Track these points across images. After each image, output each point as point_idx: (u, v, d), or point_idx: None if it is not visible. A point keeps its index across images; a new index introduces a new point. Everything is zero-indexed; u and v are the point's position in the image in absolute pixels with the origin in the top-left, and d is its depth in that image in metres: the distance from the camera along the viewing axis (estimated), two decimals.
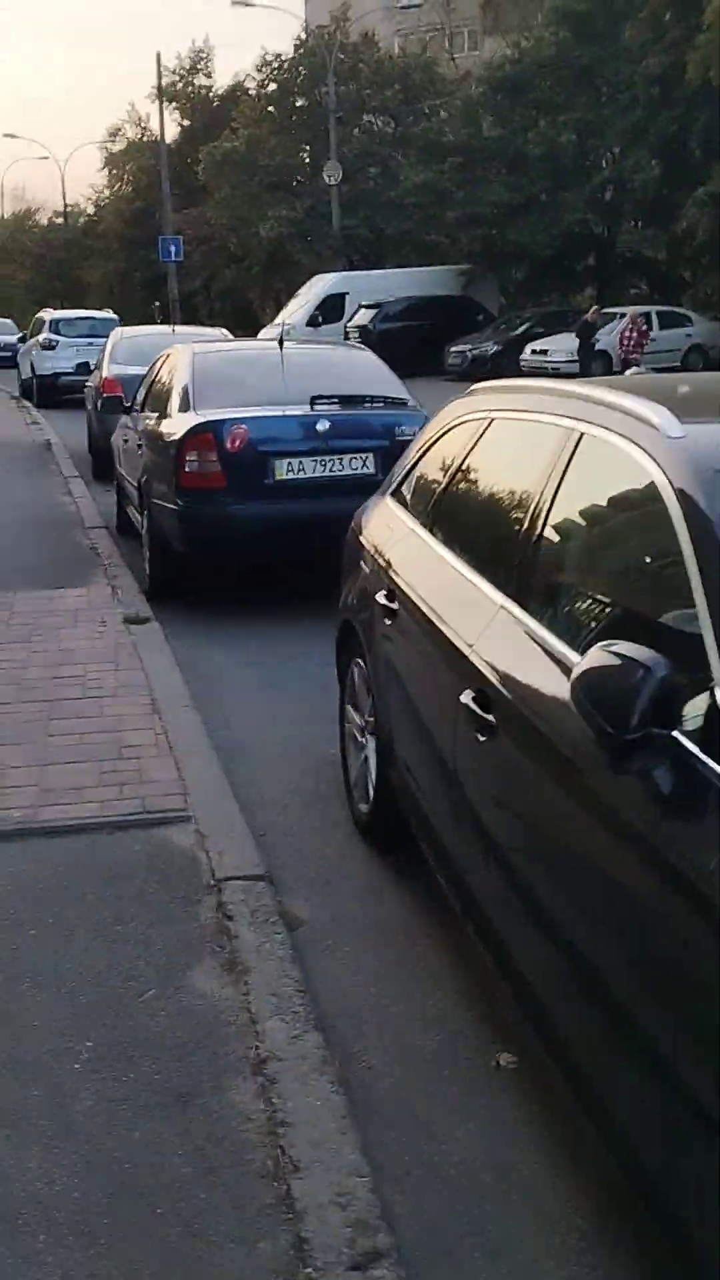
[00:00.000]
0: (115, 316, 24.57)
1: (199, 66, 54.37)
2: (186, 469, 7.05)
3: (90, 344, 21.60)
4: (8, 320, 40.63)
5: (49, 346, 22.96)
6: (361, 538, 4.56)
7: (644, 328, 24.58)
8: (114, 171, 60.03)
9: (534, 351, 27.83)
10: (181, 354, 8.16)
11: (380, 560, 4.08)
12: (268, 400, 7.37)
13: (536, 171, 32.44)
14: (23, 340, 27.36)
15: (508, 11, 48.38)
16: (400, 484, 4.46)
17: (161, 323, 38.84)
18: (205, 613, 7.53)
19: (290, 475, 7.06)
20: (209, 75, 54.95)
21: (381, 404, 7.58)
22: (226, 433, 6.98)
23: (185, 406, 7.45)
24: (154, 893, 3.67)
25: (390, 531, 4.19)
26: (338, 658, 4.69)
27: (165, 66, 44.51)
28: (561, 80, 32.32)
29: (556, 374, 26.48)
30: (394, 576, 3.83)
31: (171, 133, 46.11)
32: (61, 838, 4.04)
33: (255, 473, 7.03)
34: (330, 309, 33.18)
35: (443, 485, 3.80)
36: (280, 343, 7.95)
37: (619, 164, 31.08)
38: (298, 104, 43.86)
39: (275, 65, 43.98)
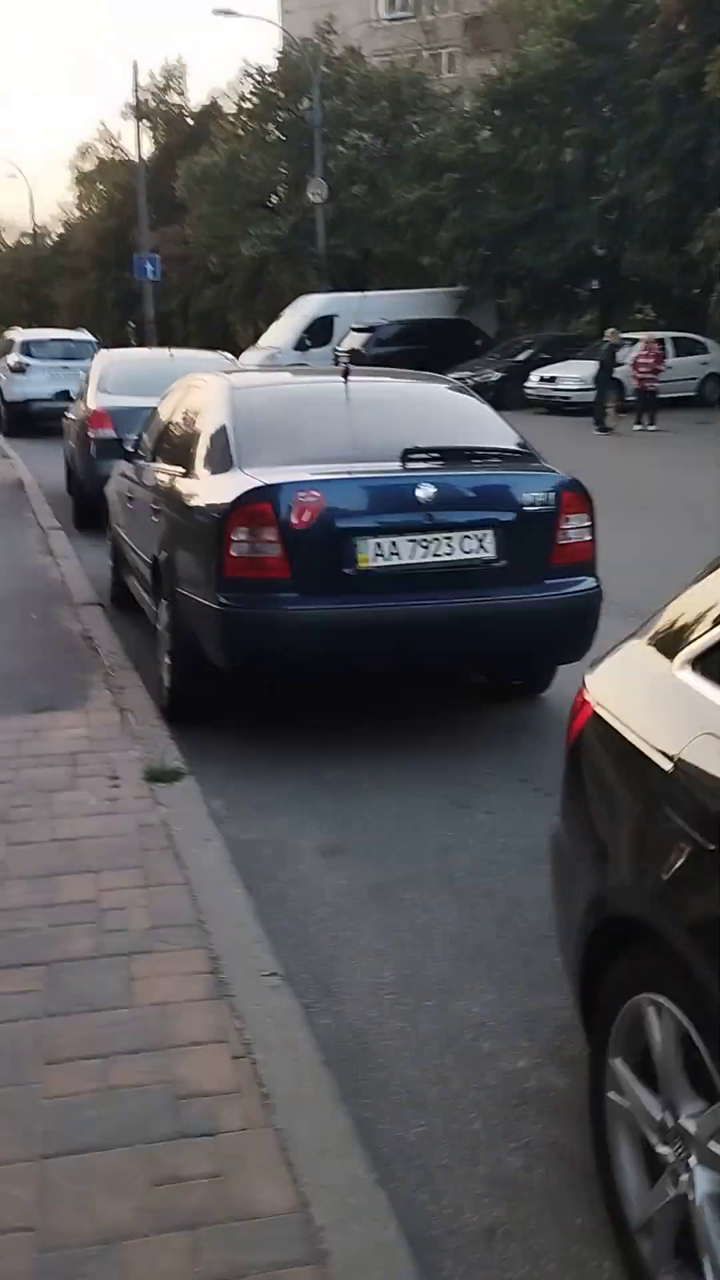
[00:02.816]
0: (92, 338, 22.47)
1: (172, 84, 52.70)
2: (232, 553, 4.94)
3: (65, 367, 19.71)
4: None
5: (19, 370, 20.81)
6: (632, 739, 2.47)
7: (659, 353, 22.73)
8: (84, 189, 58.10)
9: (542, 379, 26.00)
10: (210, 387, 6.06)
11: None
12: (338, 455, 5.29)
13: (539, 190, 30.66)
14: None
15: (494, 31, 47.00)
16: (712, 651, 2.39)
17: (137, 345, 36.86)
18: (251, 746, 5.42)
19: (380, 562, 4.97)
20: (182, 93, 53.35)
21: (497, 460, 5.52)
22: (291, 502, 4.89)
23: (225, 462, 5.34)
24: None
25: None
26: (582, 970, 2.56)
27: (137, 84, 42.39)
28: (565, 94, 30.57)
29: (567, 403, 24.69)
30: None
31: (145, 149, 44.09)
32: None
33: (331, 558, 4.94)
34: (318, 332, 31.24)
35: None
36: (345, 374, 5.88)
37: (628, 182, 29.31)
38: (280, 118, 42.01)
39: (258, 78, 42.14)
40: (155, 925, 3.51)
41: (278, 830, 4.53)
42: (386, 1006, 3.35)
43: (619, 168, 30.36)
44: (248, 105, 43.27)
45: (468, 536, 5.06)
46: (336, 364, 28.94)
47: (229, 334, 44.31)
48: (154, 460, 6.57)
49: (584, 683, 2.84)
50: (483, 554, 5.08)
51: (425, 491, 4.97)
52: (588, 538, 5.31)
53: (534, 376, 26.21)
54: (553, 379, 25.75)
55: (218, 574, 5.00)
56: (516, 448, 5.62)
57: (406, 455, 5.17)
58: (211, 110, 49.24)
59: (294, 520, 4.88)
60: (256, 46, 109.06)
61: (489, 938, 3.74)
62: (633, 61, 28.86)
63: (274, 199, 42.68)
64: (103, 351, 13.33)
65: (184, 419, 6.23)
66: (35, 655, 6.56)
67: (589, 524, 5.30)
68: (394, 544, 4.97)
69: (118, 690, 5.84)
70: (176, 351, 11.95)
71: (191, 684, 5.52)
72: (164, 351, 12.06)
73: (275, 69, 42.13)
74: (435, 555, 5.02)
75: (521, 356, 28.25)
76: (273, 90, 42.19)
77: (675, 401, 23.99)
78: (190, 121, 51.40)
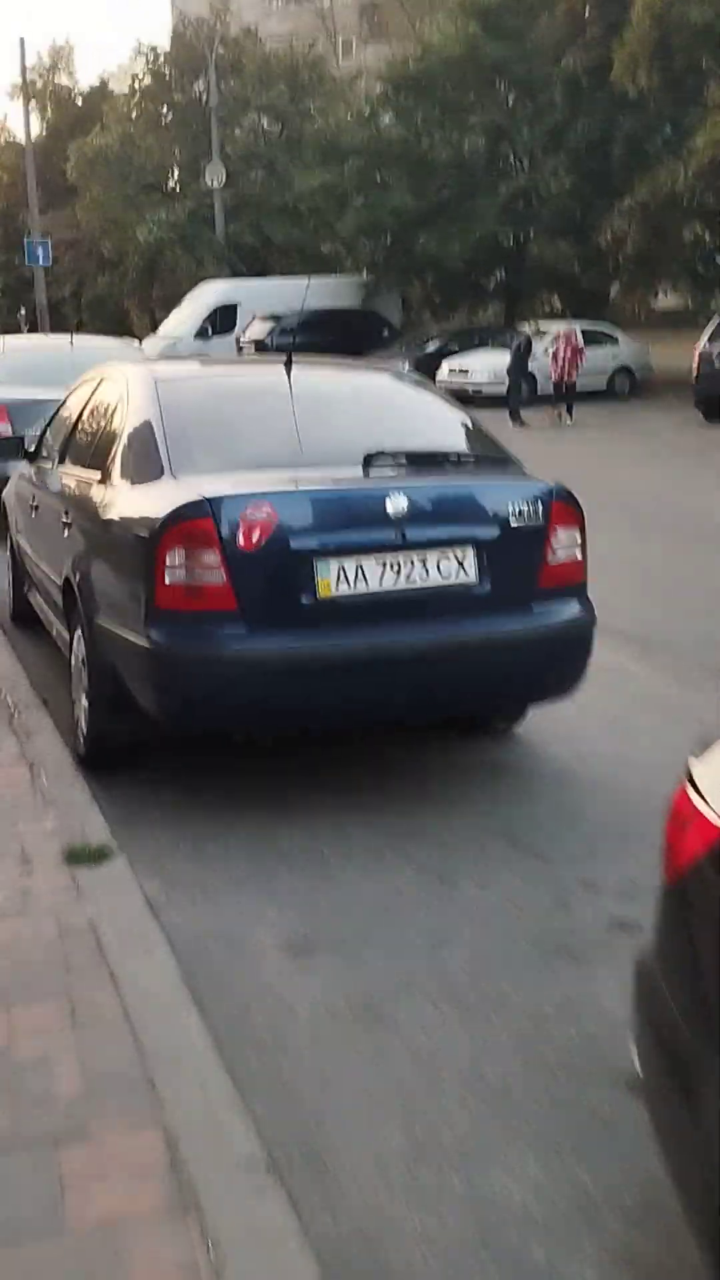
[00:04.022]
0: None
1: (59, 65, 50.94)
2: (166, 579, 4.10)
3: None
4: None
5: None
6: None
7: (579, 345, 22.30)
8: None
9: (452, 371, 25.37)
10: (129, 379, 5.18)
11: None
12: (286, 460, 4.47)
13: (443, 178, 30.04)
14: None
15: (391, 16, 46.36)
16: None
17: (29, 332, 35.32)
18: (188, 804, 4.58)
19: (344, 589, 4.17)
20: (71, 74, 51.67)
21: (472, 465, 4.77)
22: (238, 518, 4.06)
23: (153, 469, 4.48)
24: None
25: None
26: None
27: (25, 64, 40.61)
28: (469, 80, 29.98)
29: (479, 395, 24.10)
30: None
31: (34, 131, 42.43)
32: None
33: (286, 586, 4.13)
34: (220, 320, 30.22)
35: None
36: (288, 365, 5.05)
37: (533, 172, 28.85)
38: (176, 100, 40.72)
39: (151, 57, 40.78)
40: (90, 1089, 2.67)
41: (230, 920, 3.71)
42: (399, 1190, 2.56)
43: (524, 157, 29.92)
44: (141, 86, 41.86)
45: (445, 557, 4.29)
46: (240, 353, 28.07)
47: (124, 321, 42.91)
48: (62, 462, 5.67)
49: (690, 783, 2.08)
50: (463, 579, 4.31)
51: (397, 504, 4.18)
52: (578, 555, 4.58)
53: (444, 367, 25.58)
54: (464, 370, 25.17)
55: (148, 605, 4.15)
56: (491, 451, 4.87)
57: (369, 461, 4.38)
58: (102, 91, 47.70)
59: (241, 540, 4.05)
60: (150, 27, 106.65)
61: (512, 1071, 2.98)
62: (537, 49, 28.41)
63: (170, 183, 41.46)
64: None
65: (98, 416, 5.34)
66: None
67: (580, 540, 4.58)
68: (360, 567, 4.18)
69: (24, 737, 4.95)
70: (78, 338, 10.94)
71: (115, 729, 4.66)
72: (64, 338, 11.05)
73: (168, 49, 40.86)
74: (408, 580, 4.24)
75: (430, 347, 27.64)
76: (165, 70, 40.91)
77: (585, 395, 23.59)
78: (80, 103, 49.78)
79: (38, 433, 6.59)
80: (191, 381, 5.31)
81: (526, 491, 4.46)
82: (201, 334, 29.69)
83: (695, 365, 21.40)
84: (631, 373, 26.39)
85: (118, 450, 4.79)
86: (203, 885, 3.94)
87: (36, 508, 6.07)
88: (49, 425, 6.38)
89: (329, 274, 33.59)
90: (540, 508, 4.42)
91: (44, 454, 6.22)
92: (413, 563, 4.24)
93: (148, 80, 41.13)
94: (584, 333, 25.48)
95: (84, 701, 4.80)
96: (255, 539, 4.06)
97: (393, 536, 4.20)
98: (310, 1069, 2.97)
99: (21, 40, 42.53)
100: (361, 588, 4.19)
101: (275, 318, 28.36)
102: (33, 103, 46.51)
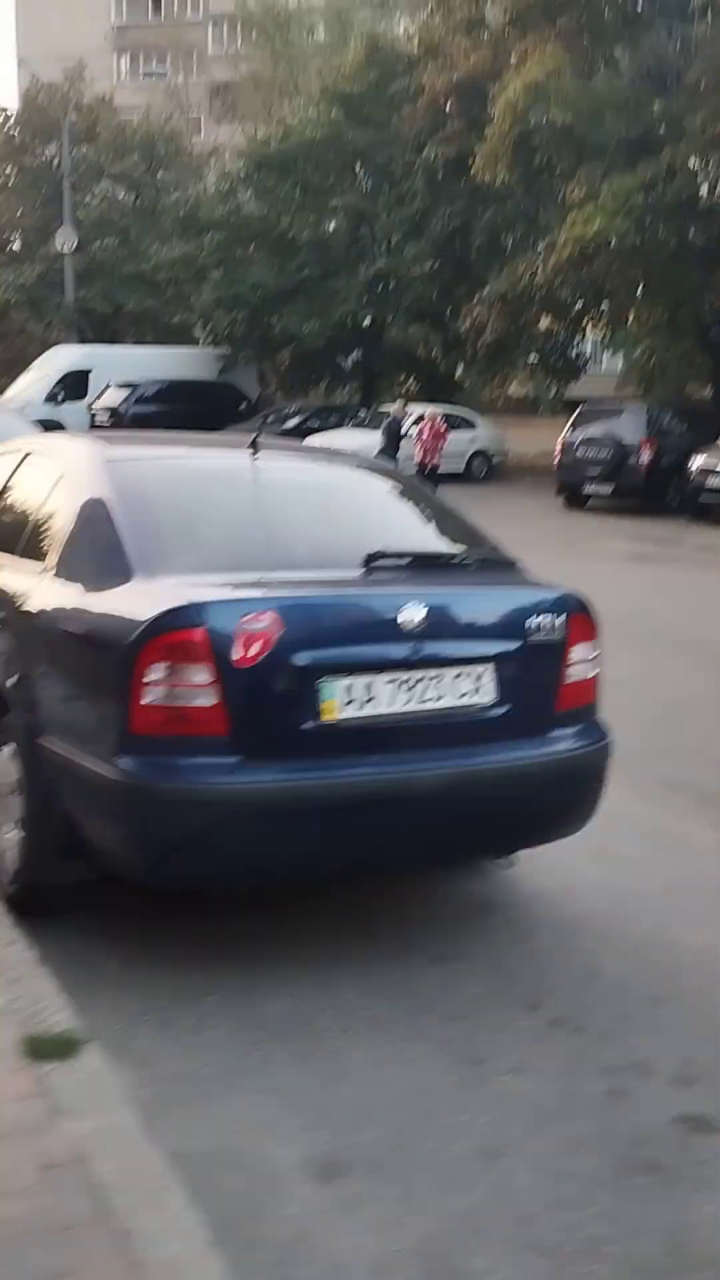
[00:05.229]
0: None
1: None
2: (144, 699, 3.40)
3: None
4: None
5: None
6: None
7: (443, 429, 22.38)
8: None
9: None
10: (70, 457, 4.48)
11: None
12: (273, 560, 3.86)
13: (304, 256, 30.07)
14: None
15: (243, 98, 46.80)
16: None
17: None
18: (143, 958, 3.83)
19: (352, 711, 3.55)
20: None
21: (478, 569, 4.24)
22: (234, 628, 3.41)
23: (115, 566, 3.77)
24: None
25: None
26: None
27: None
28: (330, 163, 30.25)
29: None
30: None
31: None
32: None
33: (286, 708, 3.49)
34: (71, 386, 29.35)
35: None
36: (254, 446, 4.45)
37: (394, 256, 29.13)
38: (26, 163, 39.87)
39: (0, 119, 39.92)
40: None
41: (234, 1130, 3.00)
42: None
43: (384, 241, 30.24)
44: None
45: (461, 675, 3.73)
46: (93, 421, 27.17)
47: None
48: None
49: None
50: (478, 700, 3.76)
51: (412, 614, 3.61)
52: (593, 673, 4.09)
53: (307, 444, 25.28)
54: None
55: (120, 729, 3.44)
56: (492, 551, 4.36)
57: (371, 562, 3.81)
58: None
59: (237, 654, 3.40)
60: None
61: None
62: (399, 137, 28.86)
63: (16, 245, 40.45)
64: None
65: (27, 499, 4.59)
66: None
67: (596, 655, 4.09)
68: (371, 687, 3.58)
69: None
70: None
71: (57, 873, 3.89)
72: None
73: (17, 111, 40.15)
74: (422, 701, 3.66)
75: (291, 424, 27.34)
76: (14, 134, 40.11)
77: (445, 476, 23.64)
78: None
79: None
80: (146, 463, 4.58)
81: (544, 600, 3.95)
82: (52, 399, 28.75)
83: (558, 453, 21.71)
84: (489, 456, 26.74)
85: (63, 542, 4.07)
86: (188, 1078, 3.21)
87: None
88: None
89: (182, 345, 33.21)
90: (560, 619, 3.92)
91: None
92: (427, 682, 3.66)
93: None
94: (445, 416, 25.69)
95: (12, 833, 4.02)
96: (254, 653, 3.41)
97: (407, 652, 3.63)
98: None
99: None
100: (370, 711, 3.58)
101: (130, 386, 27.73)
102: None
